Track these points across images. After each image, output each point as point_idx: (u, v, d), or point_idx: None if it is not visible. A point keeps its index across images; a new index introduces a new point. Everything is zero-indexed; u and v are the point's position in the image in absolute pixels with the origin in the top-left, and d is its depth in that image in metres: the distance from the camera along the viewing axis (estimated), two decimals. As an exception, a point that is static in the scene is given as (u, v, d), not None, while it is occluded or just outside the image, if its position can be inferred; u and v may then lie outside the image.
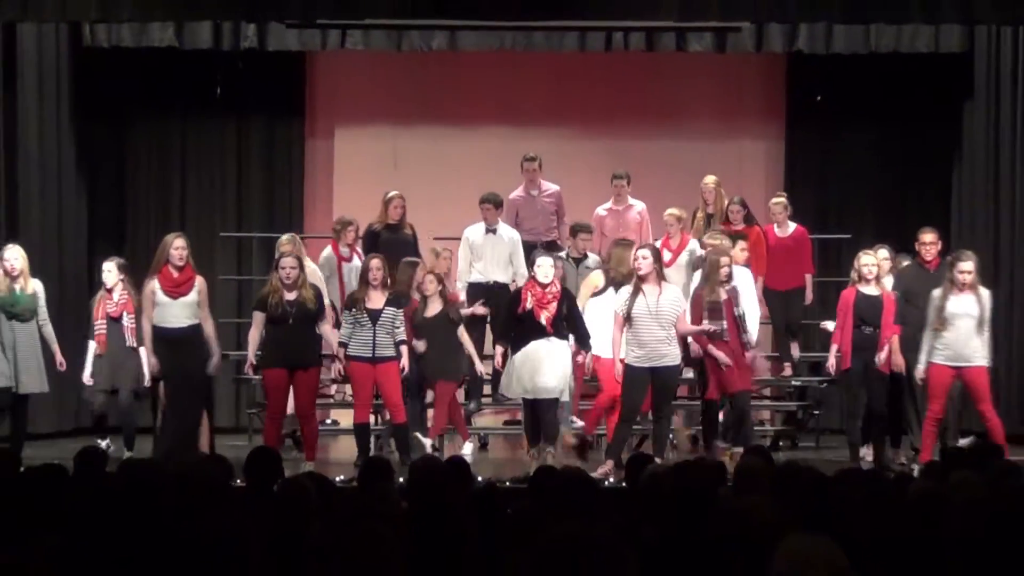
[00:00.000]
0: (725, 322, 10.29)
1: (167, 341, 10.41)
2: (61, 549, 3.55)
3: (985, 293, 10.25)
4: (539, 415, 10.30)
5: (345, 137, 14.27)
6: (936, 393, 10.16)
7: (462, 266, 11.87)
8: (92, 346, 10.93)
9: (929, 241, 10.91)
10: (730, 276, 10.44)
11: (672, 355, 10.14)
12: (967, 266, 10.21)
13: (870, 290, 10.45)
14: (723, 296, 10.35)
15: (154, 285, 10.44)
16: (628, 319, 10.08)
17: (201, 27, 12.73)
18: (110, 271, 11.01)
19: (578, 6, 11.42)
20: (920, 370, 10.22)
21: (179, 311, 10.41)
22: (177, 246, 10.46)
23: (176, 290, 10.41)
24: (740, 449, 9.56)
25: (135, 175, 13.91)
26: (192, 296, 10.43)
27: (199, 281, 10.53)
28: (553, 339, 10.20)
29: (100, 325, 10.87)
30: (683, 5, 11.32)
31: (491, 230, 11.83)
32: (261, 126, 14.03)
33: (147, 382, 10.87)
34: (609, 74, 13.94)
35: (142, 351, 10.80)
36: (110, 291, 10.95)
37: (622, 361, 10.15)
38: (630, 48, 13.14)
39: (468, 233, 11.88)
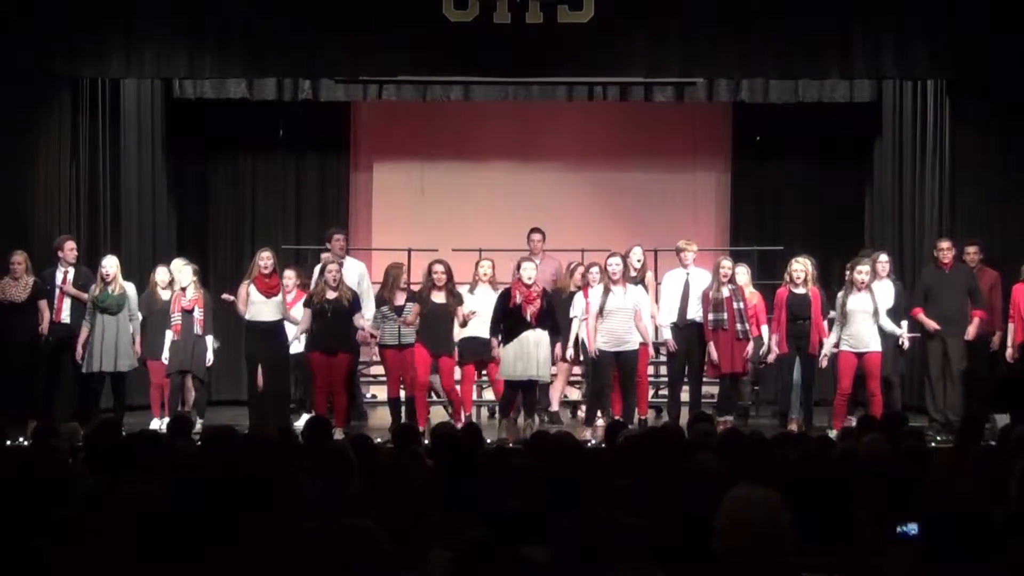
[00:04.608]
0: (726, 314, 10.28)
1: (259, 331, 10.50)
2: (162, 492, 3.59)
3: (876, 289, 10.24)
4: (526, 394, 10.27)
5: (382, 169, 14.26)
6: (844, 374, 10.13)
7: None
8: (169, 334, 10.76)
9: (946, 247, 10.70)
10: (732, 277, 10.40)
11: (633, 341, 10.16)
12: (863, 267, 10.22)
13: (799, 290, 10.41)
14: (726, 293, 10.34)
15: (249, 288, 10.54)
16: (601, 312, 10.14)
17: (268, 83, 12.72)
18: (185, 272, 10.84)
19: (566, 65, 11.44)
20: (824, 359, 10.19)
21: (269, 308, 10.52)
22: (263, 257, 10.61)
23: (269, 291, 10.52)
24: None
25: (215, 201, 13.91)
26: (280, 296, 10.56)
27: (281, 286, 10.66)
28: (538, 330, 10.13)
29: (176, 317, 10.70)
30: (650, 64, 11.36)
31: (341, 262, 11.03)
32: (315, 161, 14.02)
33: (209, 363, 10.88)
34: (591, 119, 13.94)
35: (208, 339, 10.82)
36: (184, 289, 10.78)
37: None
38: (608, 98, 13.12)
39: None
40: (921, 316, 10.62)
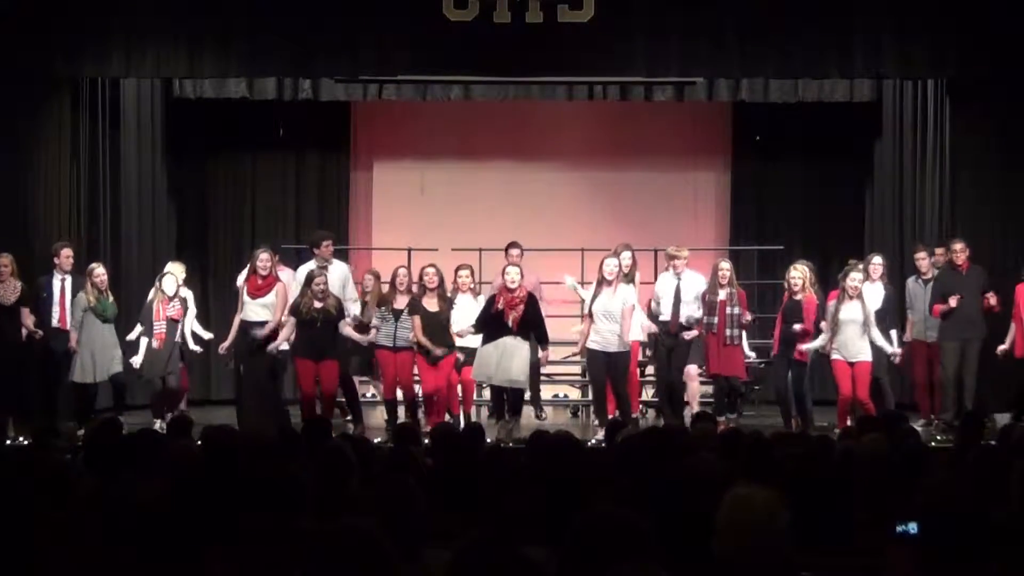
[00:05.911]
0: (716, 318, 10.24)
1: (248, 331, 10.48)
2: (162, 492, 3.59)
3: (866, 291, 10.23)
4: (509, 399, 10.27)
5: (382, 169, 14.27)
6: (841, 380, 10.11)
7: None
8: (144, 341, 10.69)
9: (959, 249, 10.73)
10: (731, 280, 10.38)
11: (621, 342, 10.12)
12: (856, 275, 10.20)
13: (796, 296, 10.40)
14: (721, 296, 10.32)
15: (243, 288, 10.55)
16: (591, 313, 10.15)
17: (267, 82, 12.73)
18: (174, 279, 10.86)
19: (566, 65, 11.45)
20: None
21: (258, 309, 10.47)
22: (261, 258, 10.55)
23: (257, 292, 10.48)
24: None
25: (215, 200, 13.92)
26: (270, 298, 10.47)
27: (279, 286, 10.54)
28: (518, 337, 10.05)
29: (160, 325, 10.67)
30: (650, 63, 11.37)
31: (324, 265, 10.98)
32: (315, 161, 14.04)
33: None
34: (591, 119, 13.94)
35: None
36: (171, 297, 10.74)
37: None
38: (608, 98, 13.12)
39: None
40: (941, 306, 10.59)
